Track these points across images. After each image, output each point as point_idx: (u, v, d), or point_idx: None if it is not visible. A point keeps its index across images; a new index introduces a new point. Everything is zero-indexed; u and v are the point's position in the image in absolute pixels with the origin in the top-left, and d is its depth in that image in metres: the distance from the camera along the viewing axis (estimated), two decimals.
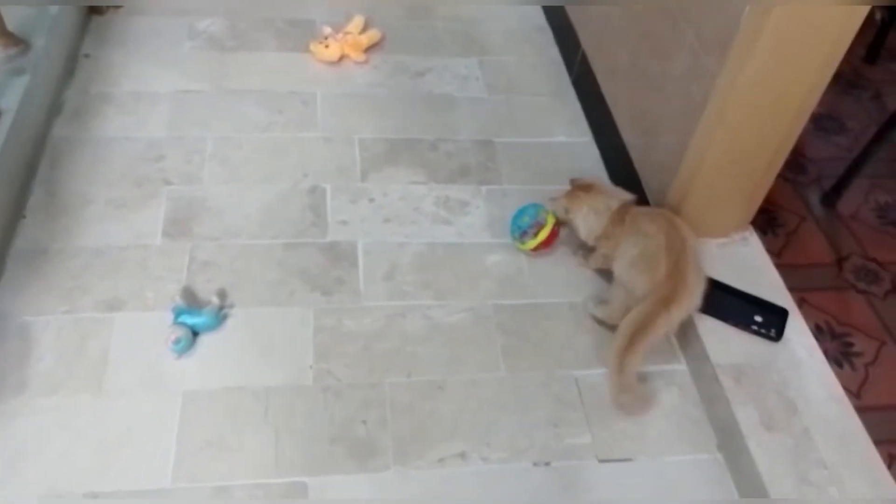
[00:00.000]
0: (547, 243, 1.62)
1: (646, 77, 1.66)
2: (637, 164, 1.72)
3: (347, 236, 1.67)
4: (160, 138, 1.83)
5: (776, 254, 1.70)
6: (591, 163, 1.92)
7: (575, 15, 2.14)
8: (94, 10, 2.16)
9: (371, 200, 1.76)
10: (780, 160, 1.52)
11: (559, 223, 1.63)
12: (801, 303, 1.57)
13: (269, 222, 1.67)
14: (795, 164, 1.96)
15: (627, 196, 1.56)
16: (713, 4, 1.37)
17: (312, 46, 2.12)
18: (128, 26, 2.16)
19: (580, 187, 1.59)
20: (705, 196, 1.53)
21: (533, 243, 1.61)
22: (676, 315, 1.38)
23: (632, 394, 1.40)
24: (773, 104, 1.38)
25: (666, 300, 1.37)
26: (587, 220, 1.55)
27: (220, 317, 1.46)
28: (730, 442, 1.36)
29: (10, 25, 1.77)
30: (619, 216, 1.52)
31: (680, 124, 1.50)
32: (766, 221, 1.79)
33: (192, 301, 1.48)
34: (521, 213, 1.65)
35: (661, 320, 1.36)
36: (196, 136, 1.85)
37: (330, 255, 1.62)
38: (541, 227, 1.61)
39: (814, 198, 1.90)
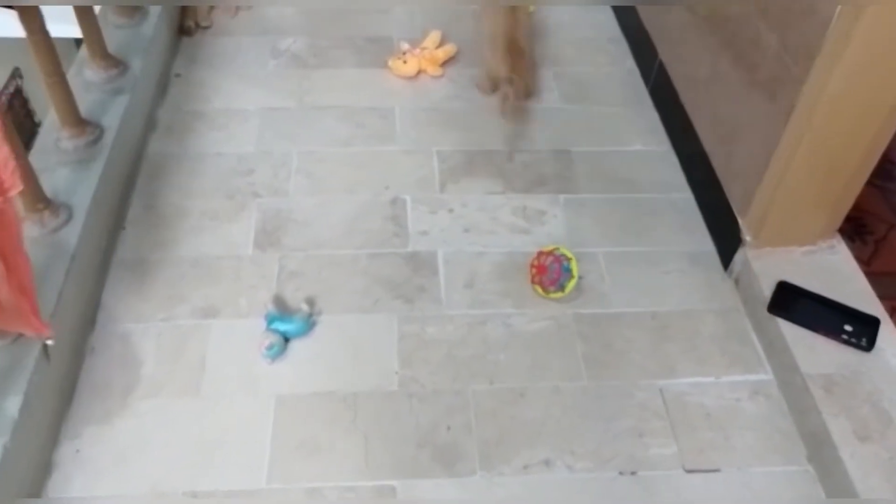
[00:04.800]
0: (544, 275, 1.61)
1: (728, 85, 1.65)
2: (718, 172, 1.70)
3: (428, 246, 1.70)
4: (249, 153, 1.91)
5: (865, 261, 1.66)
6: (669, 170, 1.92)
7: (651, 25, 2.14)
8: (183, 32, 2.27)
9: (450, 211, 1.79)
10: (869, 166, 1.49)
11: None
12: (893, 312, 1.52)
13: (353, 233, 1.73)
14: (884, 170, 1.89)
15: None
16: (798, 11, 1.35)
17: (391, 62, 2.18)
18: (214, 46, 2.26)
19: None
20: (791, 203, 1.51)
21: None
22: None
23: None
24: (863, 110, 1.36)
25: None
26: None
27: (309, 323, 1.51)
28: (821, 453, 1.34)
29: (109, 48, 1.88)
30: None
31: (764, 132, 1.48)
32: (854, 229, 1.75)
33: (283, 308, 1.53)
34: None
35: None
36: (282, 150, 1.92)
37: (412, 265, 1.66)
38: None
39: None
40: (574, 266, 1.58)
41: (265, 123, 2.01)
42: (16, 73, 3.44)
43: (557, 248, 1.61)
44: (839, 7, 1.23)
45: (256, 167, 1.88)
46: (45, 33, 1.51)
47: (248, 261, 1.65)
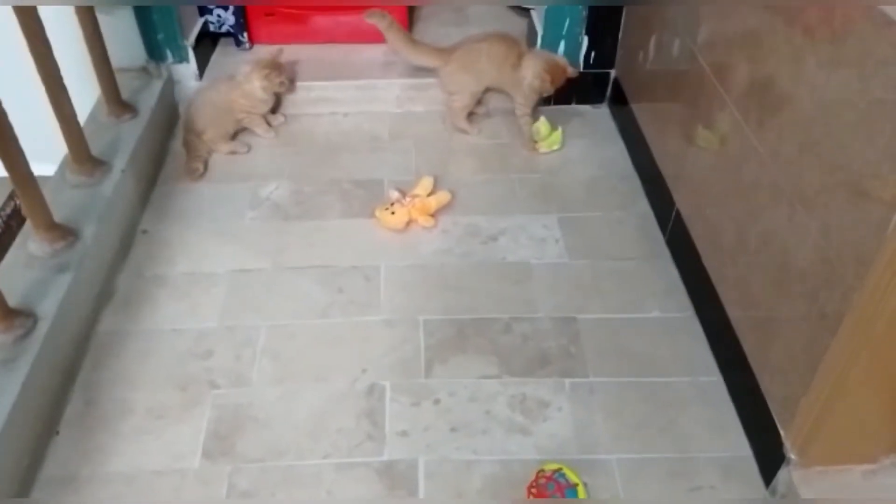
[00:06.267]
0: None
1: (758, 264, 1.39)
2: (752, 362, 1.42)
3: (407, 453, 1.44)
4: (211, 329, 1.69)
5: None
6: (693, 344, 1.64)
7: (665, 168, 1.90)
8: (190, 175, 2.12)
9: (436, 402, 1.53)
10: None
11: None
12: None
13: (320, 435, 1.47)
14: None
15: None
16: (843, 196, 1.10)
17: (378, 213, 1.97)
18: (189, 196, 2.07)
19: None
20: (846, 419, 1.22)
21: None
22: None
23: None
24: None
25: None
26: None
27: None
28: None
29: (59, 216, 1.69)
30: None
31: (807, 332, 1.21)
32: None
33: None
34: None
35: None
36: (249, 324, 1.70)
37: (386, 479, 1.39)
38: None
39: None
40: (581, 492, 1.30)
41: (233, 290, 1.79)
42: (14, 194, 3.34)
43: (560, 469, 1.34)
44: None
45: (216, 348, 1.64)
46: None
47: (193, 476, 1.40)
